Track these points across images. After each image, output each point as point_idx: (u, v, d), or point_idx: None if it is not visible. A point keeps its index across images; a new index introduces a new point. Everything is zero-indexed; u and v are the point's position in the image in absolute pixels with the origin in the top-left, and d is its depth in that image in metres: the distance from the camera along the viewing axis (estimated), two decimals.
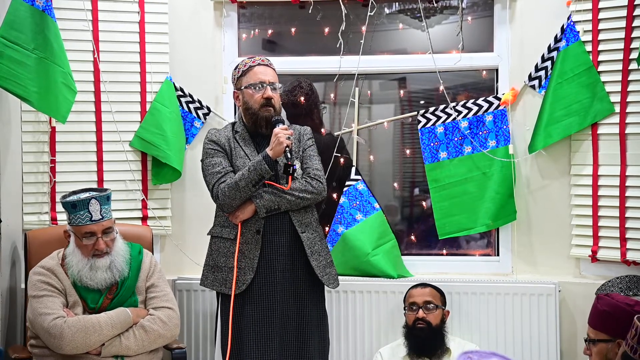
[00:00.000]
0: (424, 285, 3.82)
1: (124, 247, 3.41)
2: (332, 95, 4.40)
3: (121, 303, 3.34)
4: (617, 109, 3.82)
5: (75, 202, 3.28)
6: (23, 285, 3.76)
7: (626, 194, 3.79)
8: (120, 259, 3.36)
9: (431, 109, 4.15)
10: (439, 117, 4.14)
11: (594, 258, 3.90)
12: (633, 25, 3.75)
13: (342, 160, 4.22)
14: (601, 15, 3.85)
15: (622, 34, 3.79)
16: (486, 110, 4.07)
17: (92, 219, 3.29)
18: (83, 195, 3.31)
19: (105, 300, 3.33)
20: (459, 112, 4.10)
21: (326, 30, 4.25)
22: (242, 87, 3.50)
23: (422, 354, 3.71)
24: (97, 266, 3.30)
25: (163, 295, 3.43)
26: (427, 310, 3.72)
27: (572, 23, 3.89)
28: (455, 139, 4.11)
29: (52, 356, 3.24)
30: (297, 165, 3.46)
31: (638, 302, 2.70)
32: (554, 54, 3.96)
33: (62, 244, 3.49)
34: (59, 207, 3.92)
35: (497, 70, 4.16)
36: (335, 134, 4.30)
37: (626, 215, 3.80)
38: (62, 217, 3.92)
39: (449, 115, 4.12)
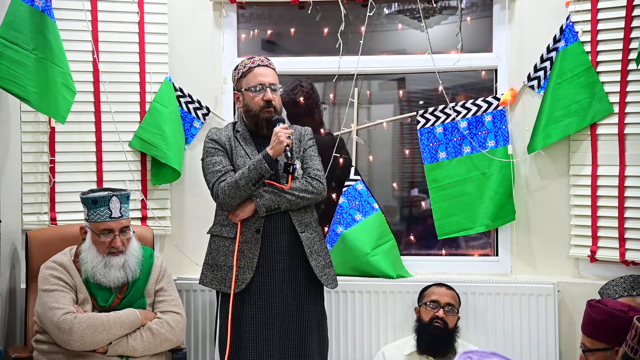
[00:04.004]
0: (447, 286, 3.84)
1: (138, 249, 3.44)
2: (331, 96, 4.40)
3: (130, 304, 3.36)
4: (616, 109, 3.82)
5: (97, 198, 3.31)
6: (23, 285, 3.76)
7: (625, 194, 3.80)
8: (134, 260, 3.38)
9: (430, 110, 4.16)
10: (438, 118, 4.14)
11: (593, 258, 3.90)
12: (632, 25, 3.76)
13: (341, 160, 4.23)
14: (600, 15, 3.85)
15: (621, 34, 3.79)
16: (485, 111, 4.08)
17: (112, 216, 3.32)
18: (104, 193, 3.34)
19: (115, 299, 3.35)
20: (458, 113, 4.11)
21: (325, 30, 4.26)
22: (242, 89, 3.51)
23: (431, 353, 3.71)
24: (111, 264, 3.32)
25: (171, 300, 3.46)
26: (448, 312, 3.73)
27: (571, 23, 3.90)
28: (455, 139, 4.12)
29: (58, 352, 3.25)
30: (298, 164, 3.46)
31: (632, 307, 2.69)
32: (553, 54, 3.96)
33: (63, 243, 3.51)
34: (59, 207, 3.94)
35: (496, 70, 4.17)
36: (335, 134, 4.30)
37: (625, 216, 3.80)
38: (62, 217, 3.93)
39: (448, 115, 4.12)
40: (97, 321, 3.21)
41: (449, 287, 3.83)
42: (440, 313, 3.72)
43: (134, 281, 3.38)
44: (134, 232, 3.44)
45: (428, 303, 3.78)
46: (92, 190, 3.40)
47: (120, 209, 3.34)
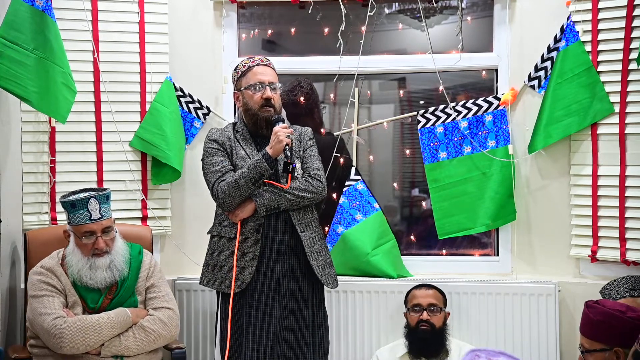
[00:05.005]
0: (427, 286, 3.82)
1: (124, 247, 3.41)
2: (331, 95, 4.40)
3: (121, 303, 3.34)
4: (617, 109, 3.82)
5: (75, 202, 3.28)
6: (23, 285, 3.76)
7: (626, 194, 3.79)
8: (120, 259, 3.36)
9: (431, 109, 4.15)
10: (438, 117, 4.14)
11: (593, 258, 3.90)
12: (633, 25, 3.76)
13: (341, 160, 4.22)
14: (601, 15, 3.85)
15: (621, 34, 3.79)
16: (486, 111, 4.07)
17: (92, 217, 3.29)
18: (82, 195, 3.31)
19: (105, 300, 3.33)
20: (459, 112, 4.11)
21: (326, 30, 4.26)
22: (242, 88, 3.51)
23: (422, 355, 3.71)
24: (96, 265, 3.30)
25: (163, 295, 3.43)
26: (431, 312, 3.73)
27: (571, 23, 3.90)
28: (455, 139, 4.12)
29: (51, 356, 3.24)
30: (297, 164, 3.46)
31: (630, 307, 2.69)
32: (554, 54, 3.96)
33: (62, 244, 3.49)
34: (59, 207, 3.92)
35: (496, 70, 4.17)
36: (335, 134, 4.30)
37: (626, 215, 3.80)
38: (62, 217, 3.91)
39: (449, 115, 4.12)
40: (87, 323, 3.19)
41: (430, 287, 3.82)
42: (425, 315, 3.72)
43: (122, 280, 3.36)
44: (116, 231, 3.41)
45: (411, 308, 3.78)
46: (73, 192, 3.36)
47: (99, 210, 3.31)
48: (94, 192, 3.33)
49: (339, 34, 4.12)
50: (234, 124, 3.61)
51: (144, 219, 4.08)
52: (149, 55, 4.08)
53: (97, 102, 4.00)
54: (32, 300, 3.28)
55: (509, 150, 4.02)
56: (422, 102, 4.43)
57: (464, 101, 4.12)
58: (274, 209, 3.39)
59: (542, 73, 4.01)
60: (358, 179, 4.17)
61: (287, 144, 3.33)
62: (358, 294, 4.01)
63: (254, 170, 3.33)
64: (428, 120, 4.16)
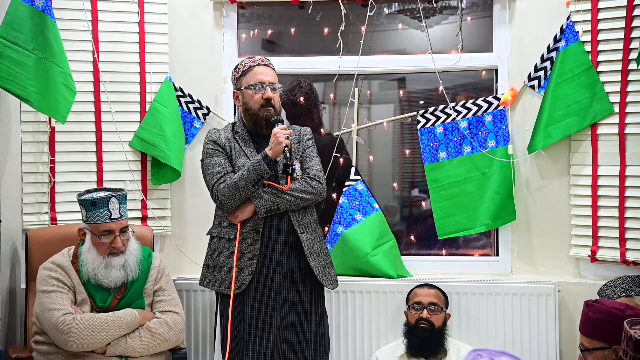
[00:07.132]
0: (430, 286, 3.83)
1: (137, 248, 3.44)
2: (331, 96, 4.40)
3: (129, 304, 3.36)
4: (617, 109, 3.82)
5: (96, 200, 3.30)
6: (23, 285, 3.76)
7: (625, 194, 3.80)
8: (133, 259, 3.38)
9: (430, 109, 4.16)
10: (438, 118, 4.14)
11: (593, 258, 3.90)
12: (632, 25, 3.76)
13: (341, 160, 4.22)
14: (600, 15, 3.85)
15: (621, 34, 3.79)
16: (485, 111, 4.08)
17: (112, 217, 3.32)
18: (102, 194, 3.33)
19: (114, 300, 3.35)
20: (459, 113, 4.11)
21: (326, 30, 4.26)
22: (242, 88, 3.51)
23: (420, 354, 3.72)
24: (112, 264, 3.32)
25: (170, 299, 3.45)
26: (431, 311, 3.73)
27: (571, 23, 3.90)
28: (455, 139, 4.12)
29: (57, 353, 3.25)
30: (297, 165, 3.46)
31: (629, 306, 2.70)
32: (554, 54, 3.96)
33: (62, 243, 3.51)
34: (59, 207, 3.94)
35: (496, 70, 4.17)
36: (335, 134, 4.30)
37: (625, 216, 3.80)
38: (62, 217, 3.92)
39: (449, 115, 4.12)
40: (95, 322, 3.21)
41: (432, 287, 3.83)
42: (425, 314, 3.72)
43: (132, 281, 3.38)
44: (133, 231, 3.43)
45: (412, 305, 3.79)
46: (88, 191, 3.38)
47: (119, 210, 3.34)
48: (112, 192, 3.35)
49: (339, 34, 4.12)
50: (233, 124, 3.61)
51: (144, 219, 4.08)
52: (148, 55, 4.08)
53: (97, 102, 4.00)
54: (40, 295, 3.28)
55: (508, 150, 4.02)
56: (422, 102, 4.43)
57: (464, 101, 4.12)
58: (273, 210, 3.39)
59: (541, 73, 4.01)
60: (358, 179, 4.17)
61: (286, 146, 3.33)
62: (358, 294, 4.01)
63: (253, 172, 3.33)
64: (428, 120, 4.16)
